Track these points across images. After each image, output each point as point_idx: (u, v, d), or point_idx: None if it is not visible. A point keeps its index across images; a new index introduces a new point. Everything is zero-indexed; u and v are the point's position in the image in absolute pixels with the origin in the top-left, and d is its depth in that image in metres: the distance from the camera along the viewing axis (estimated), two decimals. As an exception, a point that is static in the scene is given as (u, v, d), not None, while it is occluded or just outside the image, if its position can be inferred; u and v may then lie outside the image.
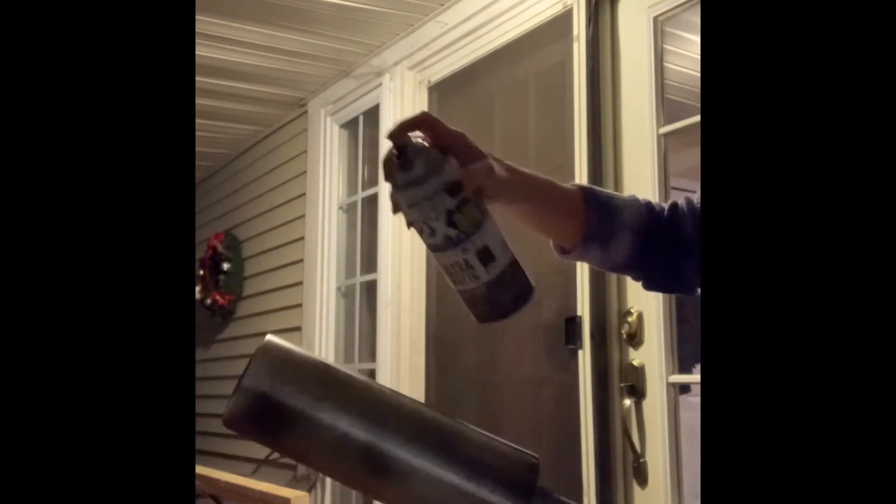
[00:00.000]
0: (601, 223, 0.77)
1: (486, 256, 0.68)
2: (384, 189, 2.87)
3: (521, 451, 0.58)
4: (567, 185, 0.78)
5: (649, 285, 0.84)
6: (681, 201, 0.82)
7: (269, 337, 0.57)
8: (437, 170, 0.66)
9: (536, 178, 0.76)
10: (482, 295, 0.70)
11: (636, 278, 0.84)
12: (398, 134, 0.67)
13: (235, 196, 4.13)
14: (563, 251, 0.81)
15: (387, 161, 0.68)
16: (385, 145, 2.64)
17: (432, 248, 0.69)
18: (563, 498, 0.58)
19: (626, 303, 1.96)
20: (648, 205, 0.82)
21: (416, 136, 0.68)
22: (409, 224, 0.69)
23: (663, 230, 0.80)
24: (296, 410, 0.54)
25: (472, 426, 0.58)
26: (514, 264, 0.70)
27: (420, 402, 0.58)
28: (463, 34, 2.58)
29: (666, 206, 0.82)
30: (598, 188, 0.80)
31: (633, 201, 0.81)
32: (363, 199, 3.20)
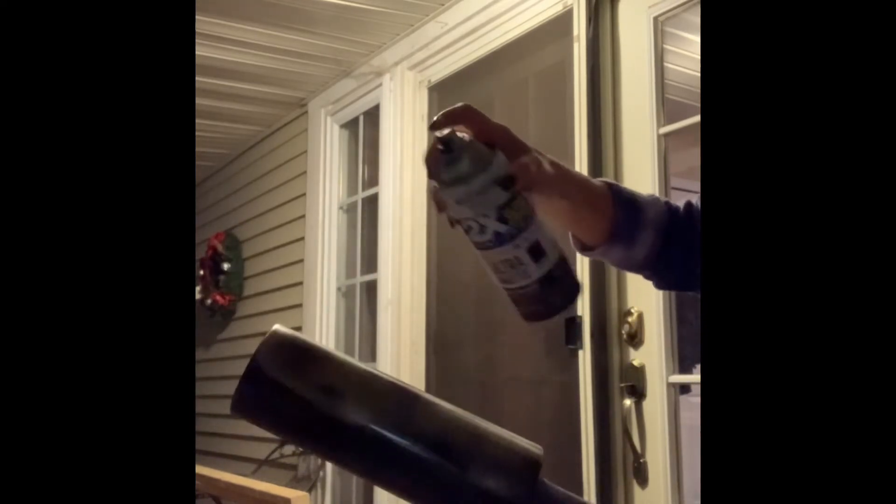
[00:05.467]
0: (627, 221, 0.76)
1: (537, 252, 0.66)
2: (384, 189, 2.87)
3: (523, 442, 0.58)
4: (595, 181, 0.77)
5: (661, 285, 0.83)
6: (695, 200, 0.81)
7: (277, 326, 0.58)
8: (486, 164, 0.63)
9: (574, 173, 0.75)
10: (533, 293, 0.67)
11: (649, 277, 0.83)
12: (442, 126, 0.64)
13: (235, 196, 4.13)
14: (585, 248, 0.79)
15: (430, 156, 0.65)
16: (386, 146, 2.62)
17: (480, 247, 0.66)
18: (564, 490, 0.58)
19: (627, 303, 1.96)
20: (668, 204, 0.81)
21: (460, 130, 0.65)
22: (454, 222, 0.66)
23: (680, 230, 0.79)
24: (301, 396, 0.55)
25: (473, 415, 0.58)
26: (564, 260, 0.68)
27: (422, 391, 0.59)
28: (463, 34, 2.58)
29: (681, 205, 0.81)
30: (623, 186, 0.79)
31: (655, 200, 0.80)
32: (363, 199, 3.20)
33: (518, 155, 0.67)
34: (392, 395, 0.57)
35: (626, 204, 0.77)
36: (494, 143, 0.66)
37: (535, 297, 0.68)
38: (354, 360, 0.58)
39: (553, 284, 0.67)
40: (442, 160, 0.64)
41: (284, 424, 0.56)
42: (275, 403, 0.55)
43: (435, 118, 0.66)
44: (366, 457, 0.56)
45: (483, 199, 0.63)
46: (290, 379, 0.55)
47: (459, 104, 0.67)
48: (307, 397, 0.55)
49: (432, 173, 0.65)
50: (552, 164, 0.71)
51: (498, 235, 0.64)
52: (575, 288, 0.69)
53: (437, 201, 0.66)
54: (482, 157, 0.64)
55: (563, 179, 0.73)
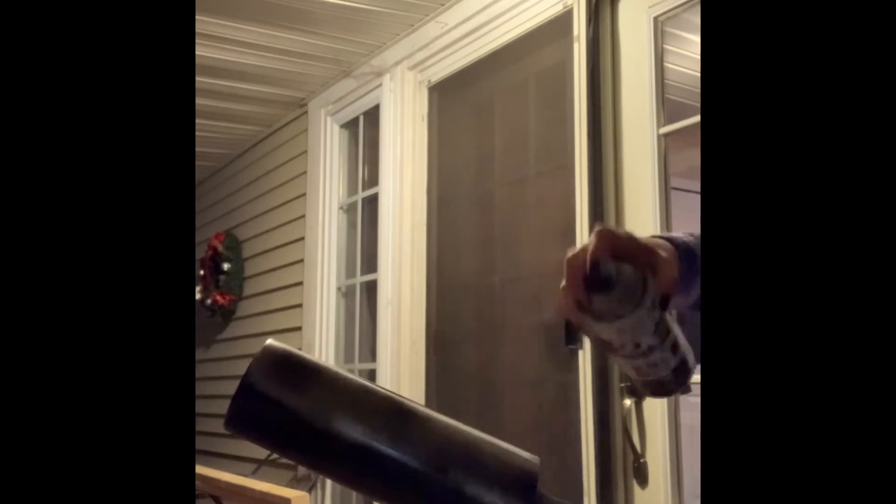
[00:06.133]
0: (689, 272, 0.74)
1: (676, 348, 0.67)
2: (384, 189, 2.87)
3: (521, 454, 0.58)
4: (657, 239, 0.74)
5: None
6: None
7: (270, 341, 0.58)
8: (642, 294, 0.62)
9: (662, 244, 0.73)
10: (668, 380, 0.69)
11: (697, 310, 0.83)
12: (595, 266, 0.61)
13: (236, 196, 4.13)
14: None
15: (575, 289, 0.62)
16: (386, 146, 2.61)
17: (629, 357, 0.66)
18: (563, 501, 0.58)
19: (627, 303, 1.96)
20: None
21: (605, 261, 0.62)
22: (607, 347, 0.65)
23: None
24: (295, 412, 0.55)
25: (471, 428, 0.58)
26: (685, 344, 0.69)
27: (419, 404, 0.58)
28: (463, 34, 2.58)
29: None
30: (678, 236, 0.77)
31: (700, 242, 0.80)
32: (363, 199, 3.20)
33: (654, 263, 0.65)
34: (387, 410, 0.56)
35: (687, 255, 0.76)
36: (627, 257, 0.64)
37: (669, 383, 0.70)
38: (349, 375, 0.58)
39: (684, 369, 0.69)
40: (595, 295, 0.62)
41: (278, 440, 0.56)
42: (268, 419, 0.55)
43: (576, 255, 0.63)
44: (361, 472, 0.55)
45: (642, 325, 0.63)
46: (283, 394, 0.55)
47: (595, 230, 0.63)
48: (300, 413, 0.54)
49: (580, 305, 0.63)
50: (663, 248, 0.69)
51: (651, 347, 0.65)
52: (692, 368, 0.71)
53: (592, 337, 0.65)
54: (635, 284, 0.62)
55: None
